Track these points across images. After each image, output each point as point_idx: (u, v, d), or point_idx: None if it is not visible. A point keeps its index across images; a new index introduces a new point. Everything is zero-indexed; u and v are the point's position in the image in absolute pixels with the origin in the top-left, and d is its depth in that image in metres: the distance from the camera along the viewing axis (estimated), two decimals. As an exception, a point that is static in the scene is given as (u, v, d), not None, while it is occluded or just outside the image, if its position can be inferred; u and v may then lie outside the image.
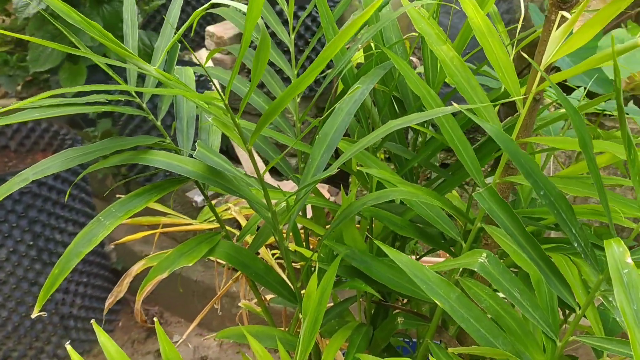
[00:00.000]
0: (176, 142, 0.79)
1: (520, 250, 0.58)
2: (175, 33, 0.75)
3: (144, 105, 0.75)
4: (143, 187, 0.72)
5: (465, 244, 0.77)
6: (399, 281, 0.80)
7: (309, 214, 1.07)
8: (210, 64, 2.05)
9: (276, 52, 0.92)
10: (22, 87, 2.14)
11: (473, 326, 0.62)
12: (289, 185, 2.00)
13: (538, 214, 0.80)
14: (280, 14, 1.20)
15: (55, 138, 1.87)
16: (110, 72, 0.71)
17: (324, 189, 2.08)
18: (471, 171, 0.71)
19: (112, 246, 1.14)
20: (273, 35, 1.49)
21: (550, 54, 0.66)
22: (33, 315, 0.64)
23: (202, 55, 2.27)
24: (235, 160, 2.18)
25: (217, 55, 2.12)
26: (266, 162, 1.86)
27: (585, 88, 1.03)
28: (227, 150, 2.21)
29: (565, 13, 0.65)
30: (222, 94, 0.58)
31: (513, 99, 0.65)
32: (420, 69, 0.92)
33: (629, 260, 0.48)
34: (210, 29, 2.20)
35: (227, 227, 0.93)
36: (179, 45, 0.76)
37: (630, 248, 0.50)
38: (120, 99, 0.74)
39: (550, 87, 0.60)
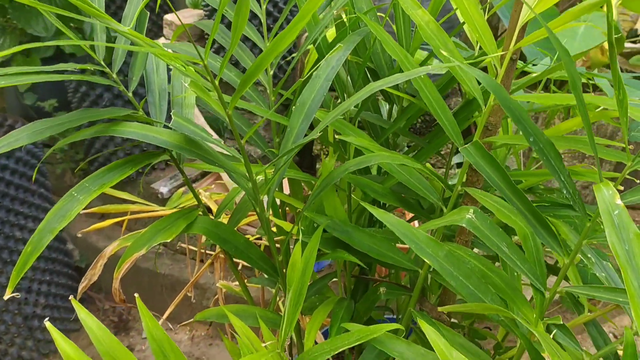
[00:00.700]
0: (149, 115, 0.76)
1: (509, 203, 0.58)
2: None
3: (114, 76, 0.72)
4: (117, 160, 0.69)
5: (446, 209, 0.77)
6: (380, 250, 0.79)
7: (287, 191, 1.05)
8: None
9: (248, 25, 0.90)
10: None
11: (462, 283, 0.62)
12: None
13: (515, 177, 0.81)
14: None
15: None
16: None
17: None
18: (450, 134, 0.71)
19: (80, 235, 1.10)
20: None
21: (526, 13, 0.67)
22: (6, 297, 0.61)
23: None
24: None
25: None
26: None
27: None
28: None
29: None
30: (200, 54, 0.55)
31: (491, 56, 0.66)
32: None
33: (619, 201, 0.49)
34: (168, 17, 2.15)
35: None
36: (147, 13, 0.73)
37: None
38: (87, 69, 0.71)
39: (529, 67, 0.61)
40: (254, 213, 0.86)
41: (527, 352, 0.70)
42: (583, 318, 0.74)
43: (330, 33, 0.95)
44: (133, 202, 1.17)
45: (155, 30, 2.37)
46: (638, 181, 0.79)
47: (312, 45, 0.86)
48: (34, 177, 1.63)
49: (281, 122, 0.79)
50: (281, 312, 0.97)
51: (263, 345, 0.74)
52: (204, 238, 1.14)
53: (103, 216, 1.96)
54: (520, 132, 0.56)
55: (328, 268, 1.80)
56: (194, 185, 1.58)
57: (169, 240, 0.72)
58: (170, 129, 0.69)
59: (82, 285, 0.80)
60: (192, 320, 1.01)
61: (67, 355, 0.56)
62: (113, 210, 1.15)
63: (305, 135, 0.72)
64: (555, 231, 0.64)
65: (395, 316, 1.12)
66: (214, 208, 1.12)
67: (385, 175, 0.87)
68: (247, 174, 0.70)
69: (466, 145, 0.60)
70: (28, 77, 0.60)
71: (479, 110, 0.80)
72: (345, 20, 0.89)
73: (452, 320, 0.97)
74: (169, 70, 0.81)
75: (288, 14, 0.91)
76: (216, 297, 1.15)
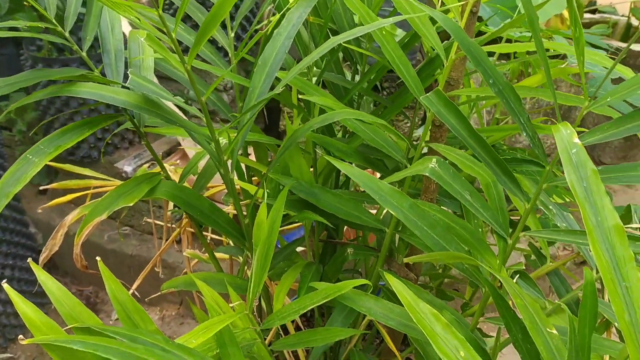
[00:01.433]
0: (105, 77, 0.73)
1: (471, 150, 0.58)
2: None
3: (67, 35, 0.69)
4: (74, 122, 0.67)
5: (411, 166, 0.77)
6: (347, 210, 0.79)
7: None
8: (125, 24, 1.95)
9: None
10: None
11: (426, 233, 0.63)
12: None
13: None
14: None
15: (-36, 113, 1.73)
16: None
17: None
18: (413, 90, 0.71)
19: (40, 211, 1.07)
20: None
21: (485, -36, 0.67)
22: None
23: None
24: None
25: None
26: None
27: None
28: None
29: None
30: (155, 3, 0.54)
31: (451, 6, 0.66)
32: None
33: (577, 140, 0.50)
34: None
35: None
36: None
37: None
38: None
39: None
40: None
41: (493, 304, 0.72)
42: (545, 268, 0.76)
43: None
44: (96, 179, 1.15)
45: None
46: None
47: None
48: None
49: (242, 83, 0.78)
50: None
51: (230, 306, 0.74)
52: (170, 208, 1.12)
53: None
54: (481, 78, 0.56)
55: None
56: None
57: (131, 204, 0.71)
58: (128, 89, 0.67)
59: (43, 256, 0.78)
60: (160, 292, 0.99)
61: (27, 317, 0.54)
62: (74, 186, 1.13)
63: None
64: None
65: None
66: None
67: (352, 136, 0.86)
68: (209, 134, 0.69)
69: (428, 95, 0.60)
70: (-26, 32, 0.57)
71: (441, 67, 0.80)
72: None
73: (420, 283, 0.98)
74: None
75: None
76: (185, 272, 1.14)
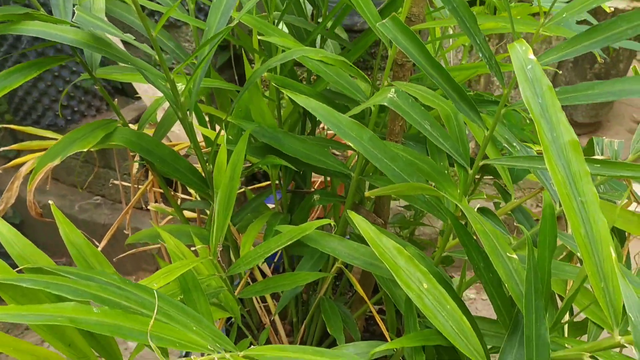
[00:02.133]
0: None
1: (430, 79, 0.57)
2: None
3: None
4: (21, 63, 0.64)
5: (374, 108, 0.76)
6: (311, 154, 0.78)
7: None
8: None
9: None
10: None
11: (388, 166, 0.62)
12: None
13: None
14: None
15: None
16: None
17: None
18: (374, 27, 0.69)
19: (1, 171, 1.04)
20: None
21: None
22: None
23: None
24: (132, 97, 2.05)
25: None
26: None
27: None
28: (123, 88, 2.08)
29: None
30: None
31: None
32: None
33: (532, 56, 0.49)
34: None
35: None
36: None
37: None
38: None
39: None
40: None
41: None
42: (510, 205, 0.75)
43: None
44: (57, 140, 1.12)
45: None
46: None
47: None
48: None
49: (196, 24, 0.76)
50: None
51: (192, 249, 0.73)
52: (135, 168, 1.10)
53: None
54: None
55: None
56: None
57: (85, 150, 0.69)
58: (78, 27, 0.64)
59: (0, 209, 0.75)
60: (125, 246, 0.98)
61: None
62: (36, 147, 1.09)
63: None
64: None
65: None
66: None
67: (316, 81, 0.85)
68: (164, 75, 0.67)
69: (384, 21, 0.59)
70: None
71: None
72: None
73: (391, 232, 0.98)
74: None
75: None
76: (159, 245, 1.12)
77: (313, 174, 1.06)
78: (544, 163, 0.56)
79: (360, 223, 0.65)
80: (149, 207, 0.97)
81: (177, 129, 1.44)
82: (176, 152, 0.77)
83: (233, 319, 0.84)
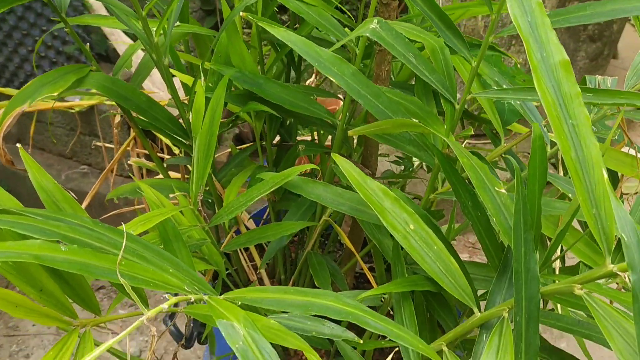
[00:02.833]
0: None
1: (417, 9, 0.54)
2: None
3: None
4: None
5: (359, 50, 0.73)
6: (294, 101, 0.75)
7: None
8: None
9: None
10: None
11: (371, 103, 0.59)
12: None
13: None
14: None
15: None
16: None
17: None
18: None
19: None
20: None
21: None
22: None
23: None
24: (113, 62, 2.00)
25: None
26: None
27: None
28: (108, 55, 2.03)
29: None
30: None
31: None
32: None
33: (520, -28, 0.46)
34: None
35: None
36: None
37: None
38: None
39: None
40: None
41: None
42: (500, 149, 0.73)
43: None
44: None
45: None
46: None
47: None
48: None
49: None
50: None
51: (172, 196, 0.70)
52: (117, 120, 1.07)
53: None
54: None
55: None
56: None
57: (55, 94, 0.66)
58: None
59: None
60: (105, 202, 0.95)
61: None
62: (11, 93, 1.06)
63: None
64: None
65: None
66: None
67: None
68: (136, 14, 0.64)
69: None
70: None
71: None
72: None
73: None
74: None
75: None
76: (143, 206, 1.10)
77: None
78: (534, 94, 0.54)
79: (345, 166, 0.63)
80: (130, 162, 0.94)
81: (159, 89, 1.40)
82: (153, 99, 0.74)
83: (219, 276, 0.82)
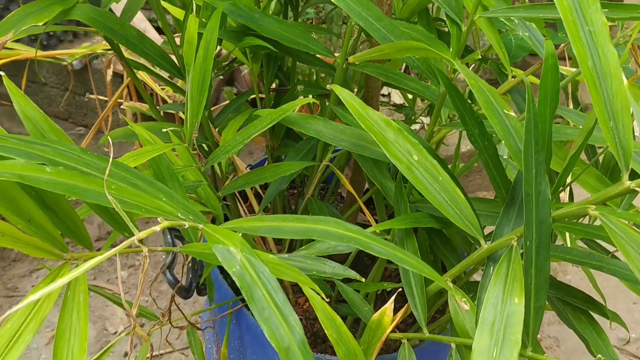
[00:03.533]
0: None
1: None
2: None
3: None
4: None
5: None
6: (293, 37, 0.72)
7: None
8: None
9: None
10: None
11: (373, 26, 0.56)
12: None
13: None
14: None
15: None
16: None
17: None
18: None
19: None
20: None
21: None
22: None
23: None
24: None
25: None
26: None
27: None
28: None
29: None
30: None
31: None
32: None
33: None
34: None
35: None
36: None
37: None
38: None
39: None
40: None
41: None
42: (507, 84, 0.70)
43: None
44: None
45: None
46: None
47: None
48: None
49: None
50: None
51: (164, 131, 0.67)
52: (109, 76, 1.04)
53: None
54: None
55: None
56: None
57: (41, 24, 0.62)
58: None
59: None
60: (99, 144, 0.93)
61: None
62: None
63: None
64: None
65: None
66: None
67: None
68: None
69: None
70: None
71: None
72: None
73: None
74: None
75: None
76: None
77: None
78: (545, 11, 0.51)
79: (346, 96, 0.60)
80: (123, 106, 0.91)
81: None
82: (143, 34, 0.71)
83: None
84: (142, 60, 0.82)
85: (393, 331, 0.69)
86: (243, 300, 0.86)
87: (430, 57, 0.57)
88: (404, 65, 0.94)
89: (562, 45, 0.77)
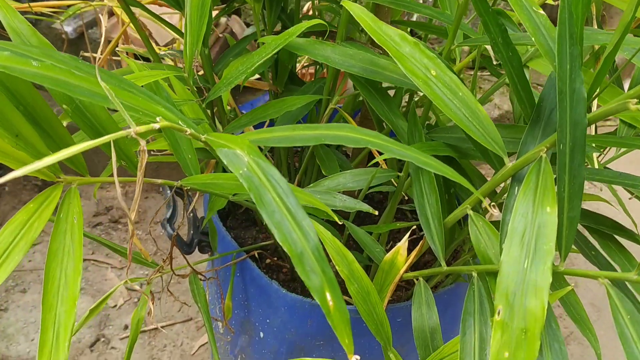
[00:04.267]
0: None
1: None
2: None
3: None
4: None
5: None
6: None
7: None
8: None
9: None
10: None
11: None
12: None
13: None
14: None
15: None
16: None
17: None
18: None
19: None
20: None
21: None
22: None
23: None
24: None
25: None
26: None
27: None
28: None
29: None
30: None
31: None
32: None
33: None
34: None
35: None
36: None
37: None
38: None
39: None
40: None
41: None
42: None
43: None
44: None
45: None
46: None
47: None
48: None
49: None
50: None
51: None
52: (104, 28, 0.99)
53: None
54: None
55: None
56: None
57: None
58: None
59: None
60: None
61: None
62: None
63: None
64: None
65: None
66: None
67: None
68: None
69: None
70: None
71: None
72: None
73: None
74: None
75: None
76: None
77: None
78: None
79: (356, 11, 0.56)
80: (119, 48, 0.87)
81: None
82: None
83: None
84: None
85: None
86: (247, 251, 0.83)
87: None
88: None
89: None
